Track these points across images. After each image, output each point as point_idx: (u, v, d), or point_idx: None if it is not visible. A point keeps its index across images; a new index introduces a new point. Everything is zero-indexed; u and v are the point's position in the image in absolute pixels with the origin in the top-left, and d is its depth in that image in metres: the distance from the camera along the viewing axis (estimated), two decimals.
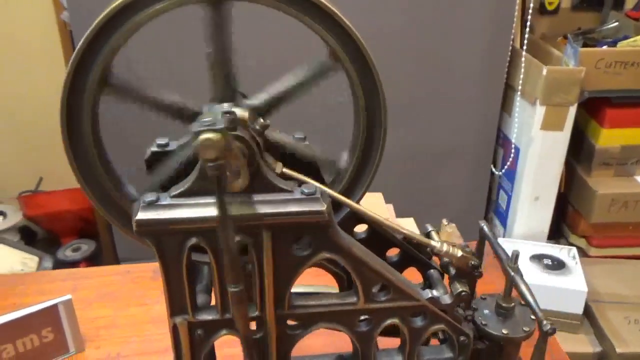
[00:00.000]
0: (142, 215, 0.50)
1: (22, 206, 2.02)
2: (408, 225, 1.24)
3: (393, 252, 0.69)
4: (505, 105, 2.02)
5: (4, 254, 1.69)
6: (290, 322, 0.59)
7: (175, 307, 0.55)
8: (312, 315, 0.58)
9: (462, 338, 0.62)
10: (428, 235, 0.68)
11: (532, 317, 0.68)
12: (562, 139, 1.90)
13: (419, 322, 0.61)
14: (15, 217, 1.99)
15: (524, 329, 0.67)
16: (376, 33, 1.82)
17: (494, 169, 2.06)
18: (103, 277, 0.99)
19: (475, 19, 1.85)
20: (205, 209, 0.50)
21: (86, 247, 1.99)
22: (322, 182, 0.58)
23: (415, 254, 0.68)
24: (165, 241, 0.52)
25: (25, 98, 2.00)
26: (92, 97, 0.50)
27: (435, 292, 0.59)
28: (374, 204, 1.24)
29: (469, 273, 0.63)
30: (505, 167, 2.02)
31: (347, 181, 0.58)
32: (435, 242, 0.59)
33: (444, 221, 1.26)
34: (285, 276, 0.55)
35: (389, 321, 0.60)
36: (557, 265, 1.87)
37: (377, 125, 0.56)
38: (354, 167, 0.57)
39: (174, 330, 0.57)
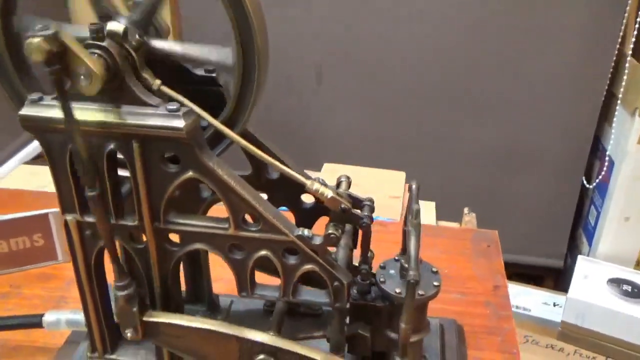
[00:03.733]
0: (24, 111, 0.56)
1: None
2: (430, 210, 1.21)
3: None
4: (607, 113, 1.88)
5: None
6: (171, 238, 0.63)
7: (64, 205, 0.62)
8: (189, 233, 0.62)
9: (336, 283, 0.62)
10: (338, 185, 0.68)
11: (436, 283, 0.67)
12: None
13: (291, 260, 0.62)
14: None
15: (419, 292, 0.65)
16: (467, 21, 1.78)
17: (585, 181, 1.92)
18: None
19: (579, 15, 1.74)
20: (76, 112, 0.56)
21: None
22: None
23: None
24: (49, 139, 0.58)
25: None
26: None
27: (306, 232, 0.60)
28: (394, 181, 1.23)
29: (356, 223, 0.64)
30: (597, 180, 1.88)
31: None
32: (305, 179, 0.60)
33: (465, 210, 1.22)
34: (158, 190, 0.60)
35: (261, 253, 0.62)
36: (637, 293, 1.72)
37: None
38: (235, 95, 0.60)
39: (66, 227, 0.63)
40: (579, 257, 1.84)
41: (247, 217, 0.61)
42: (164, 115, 0.56)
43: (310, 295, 0.65)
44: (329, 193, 0.60)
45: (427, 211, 1.20)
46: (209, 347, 0.66)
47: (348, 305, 0.67)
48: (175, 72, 0.62)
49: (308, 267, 0.62)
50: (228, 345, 0.65)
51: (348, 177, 0.69)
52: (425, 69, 1.84)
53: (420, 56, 1.83)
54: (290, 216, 0.71)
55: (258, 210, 0.59)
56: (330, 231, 0.60)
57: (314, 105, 1.96)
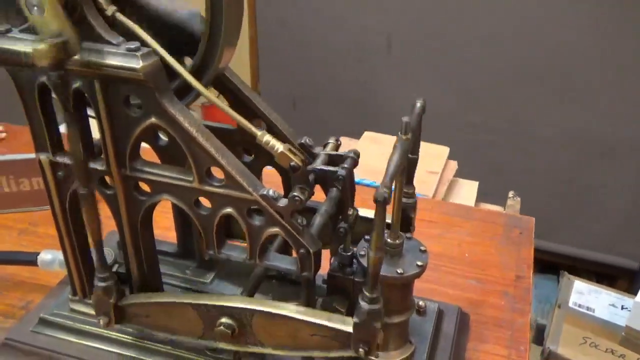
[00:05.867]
0: None
1: (202, 114, 2.31)
2: (471, 191, 1.13)
3: None
4: None
5: None
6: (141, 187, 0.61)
7: (37, 143, 0.61)
8: (155, 183, 0.59)
9: (302, 251, 0.57)
10: (324, 148, 0.63)
11: (419, 263, 0.61)
12: None
13: (257, 220, 0.58)
14: None
15: (398, 270, 0.60)
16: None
17: None
18: None
19: None
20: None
21: None
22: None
23: None
24: (18, 73, 0.57)
25: None
26: None
27: (271, 192, 0.56)
28: (437, 156, 1.16)
29: (330, 180, 0.59)
30: None
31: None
32: (256, 129, 0.56)
33: (510, 194, 1.13)
34: (123, 135, 0.57)
35: (227, 210, 0.58)
36: None
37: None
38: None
39: (40, 166, 0.62)
40: None
41: (215, 172, 0.58)
42: (123, 55, 0.53)
43: (279, 260, 0.61)
44: (280, 147, 0.55)
45: (468, 191, 1.11)
46: (174, 320, 0.63)
47: (326, 277, 0.63)
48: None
49: (273, 230, 0.58)
50: (188, 314, 0.62)
51: (337, 140, 0.64)
52: (501, 44, 1.72)
53: (498, 30, 1.71)
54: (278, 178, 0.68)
55: (220, 164, 0.56)
56: (295, 194, 0.55)
57: (381, 73, 1.89)
